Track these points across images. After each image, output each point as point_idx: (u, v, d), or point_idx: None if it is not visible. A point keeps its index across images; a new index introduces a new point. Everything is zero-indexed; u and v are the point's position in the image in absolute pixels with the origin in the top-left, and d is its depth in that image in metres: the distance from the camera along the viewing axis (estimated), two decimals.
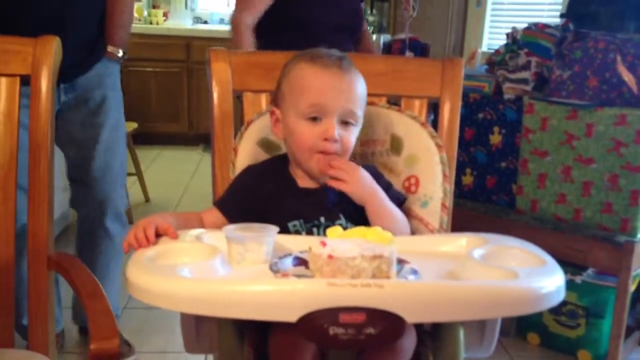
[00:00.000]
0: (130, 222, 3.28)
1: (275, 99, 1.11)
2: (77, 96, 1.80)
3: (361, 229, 0.89)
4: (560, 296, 0.82)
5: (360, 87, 1.07)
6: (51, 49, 1.23)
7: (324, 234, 0.92)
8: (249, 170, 1.13)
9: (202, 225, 1.06)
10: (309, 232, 1.04)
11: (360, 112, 1.06)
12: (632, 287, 1.99)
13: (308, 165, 1.06)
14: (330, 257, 0.81)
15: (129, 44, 1.98)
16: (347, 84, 1.03)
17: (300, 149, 1.05)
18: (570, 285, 2.06)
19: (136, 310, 2.34)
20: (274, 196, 1.07)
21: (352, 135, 1.06)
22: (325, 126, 1.03)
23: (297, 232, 1.04)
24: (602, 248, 1.94)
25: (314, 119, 1.03)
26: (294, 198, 1.06)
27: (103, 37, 1.86)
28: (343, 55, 1.07)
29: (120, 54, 1.92)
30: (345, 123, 1.04)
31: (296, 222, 1.05)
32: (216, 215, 1.08)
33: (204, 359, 2.04)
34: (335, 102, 1.02)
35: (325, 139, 1.03)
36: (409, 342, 0.89)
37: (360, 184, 1.03)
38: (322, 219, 1.04)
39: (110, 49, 1.88)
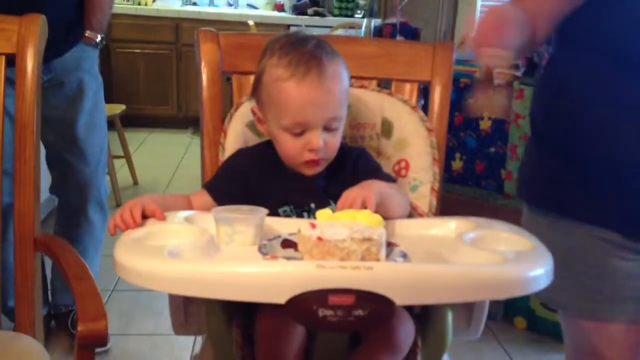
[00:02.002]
0: (118, 204, 3.27)
1: (255, 98, 1.07)
2: (52, 78, 1.79)
3: (351, 212, 0.89)
4: (548, 280, 0.83)
5: (341, 87, 1.01)
6: (37, 28, 1.21)
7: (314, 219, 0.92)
8: (240, 154, 1.12)
9: (190, 207, 1.06)
10: (299, 217, 1.04)
11: (343, 111, 1.03)
12: None
13: (295, 168, 1.05)
14: (319, 239, 0.81)
15: (118, 25, 1.97)
16: (326, 92, 0.99)
17: (285, 156, 1.04)
18: None
19: (124, 293, 2.34)
20: (263, 181, 1.06)
21: (337, 137, 1.03)
22: (309, 138, 1.00)
23: (288, 217, 1.04)
24: None
25: (298, 133, 1.01)
26: (283, 184, 1.06)
27: (81, 22, 1.84)
28: (320, 51, 1.00)
29: (99, 39, 1.89)
30: (330, 128, 1.02)
31: (286, 208, 1.04)
32: (205, 198, 1.07)
33: (193, 340, 2.05)
34: (317, 117, 0.99)
35: (310, 150, 1.01)
36: (406, 335, 0.89)
37: (375, 190, 0.95)
38: (312, 205, 1.04)
39: (88, 33, 1.86)
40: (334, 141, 1.03)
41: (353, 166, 1.08)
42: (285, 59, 0.99)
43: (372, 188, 0.94)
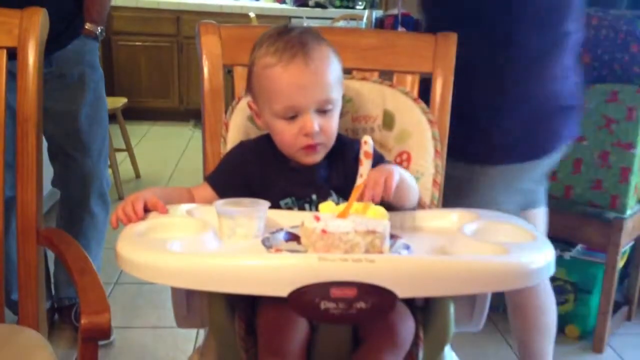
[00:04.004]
0: (120, 197, 3.27)
1: (250, 91, 1.07)
2: (53, 71, 1.79)
3: (354, 205, 0.89)
4: (550, 271, 0.83)
5: (330, 69, 1.01)
6: (38, 21, 1.21)
7: (316, 211, 0.92)
8: (241, 146, 1.12)
9: (192, 200, 1.06)
10: (301, 209, 1.04)
11: (336, 94, 1.03)
12: (621, 263, 2.02)
13: (295, 158, 1.04)
14: (324, 231, 0.81)
15: (120, 18, 1.96)
16: (315, 76, 0.99)
17: (283, 146, 1.04)
18: (559, 261, 2.05)
19: (128, 286, 2.34)
20: (264, 173, 1.06)
21: (332, 121, 1.03)
22: (303, 122, 1.00)
23: (289, 210, 1.04)
24: (592, 225, 1.95)
25: (291, 117, 1.01)
26: (284, 176, 1.06)
27: (81, 14, 1.84)
28: (306, 37, 1.00)
29: (99, 31, 1.89)
30: (323, 111, 1.01)
31: (288, 200, 1.04)
32: (207, 190, 1.07)
33: (196, 333, 2.06)
34: (307, 100, 0.99)
35: (306, 134, 1.01)
36: (407, 332, 0.89)
37: (395, 170, 0.95)
38: (314, 196, 1.04)
39: (88, 26, 1.86)
40: (330, 125, 1.02)
41: (356, 158, 1.07)
42: (272, 47, 1.00)
43: (391, 168, 0.94)
